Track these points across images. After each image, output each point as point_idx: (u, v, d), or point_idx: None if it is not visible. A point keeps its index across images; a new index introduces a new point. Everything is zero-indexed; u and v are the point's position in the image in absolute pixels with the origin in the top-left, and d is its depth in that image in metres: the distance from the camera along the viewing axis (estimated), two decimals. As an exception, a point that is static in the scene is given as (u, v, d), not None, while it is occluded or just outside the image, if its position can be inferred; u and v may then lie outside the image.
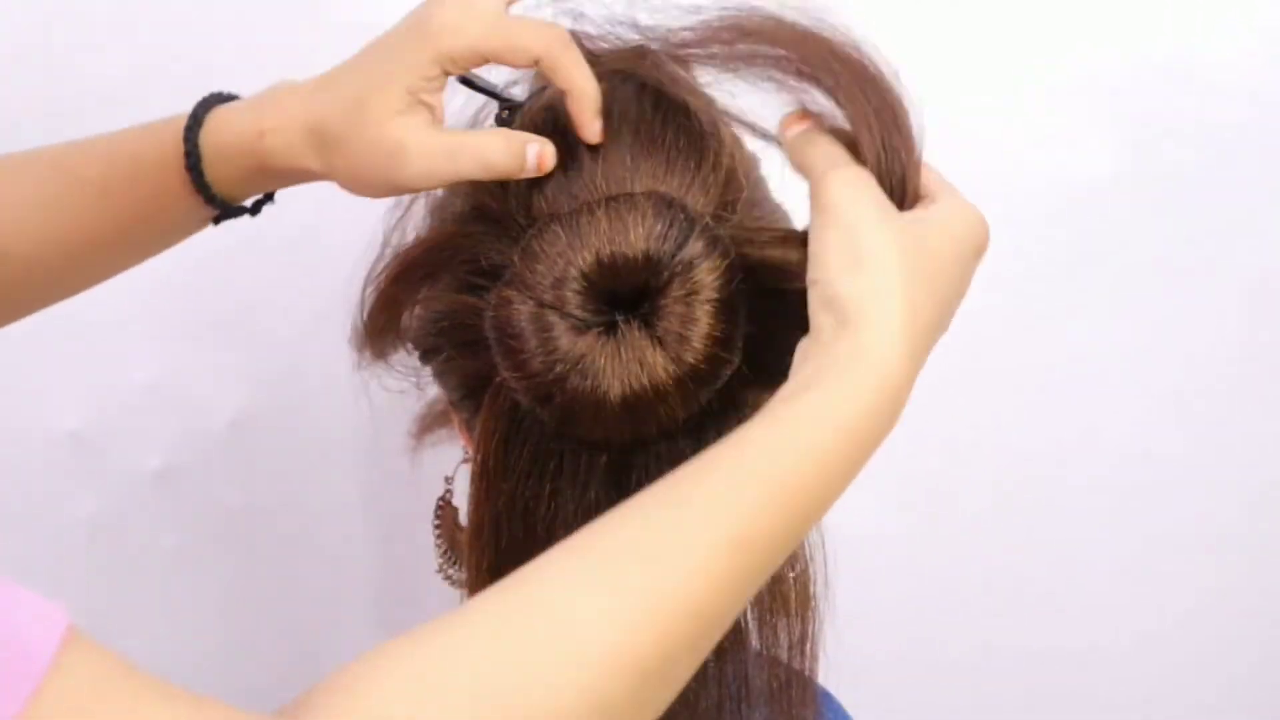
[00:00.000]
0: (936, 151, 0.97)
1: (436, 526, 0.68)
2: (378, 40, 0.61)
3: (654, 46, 0.62)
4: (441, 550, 0.67)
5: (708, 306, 0.54)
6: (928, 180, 0.57)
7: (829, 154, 0.55)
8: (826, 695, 0.67)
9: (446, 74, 0.58)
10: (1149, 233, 1.02)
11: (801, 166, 0.56)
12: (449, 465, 0.68)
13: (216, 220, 0.68)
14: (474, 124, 0.64)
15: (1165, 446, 1.06)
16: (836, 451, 0.48)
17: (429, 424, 0.76)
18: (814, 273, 0.51)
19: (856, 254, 0.50)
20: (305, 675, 1.08)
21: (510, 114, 0.62)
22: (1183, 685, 1.09)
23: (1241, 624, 1.09)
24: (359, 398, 0.96)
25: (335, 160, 0.59)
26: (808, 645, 0.60)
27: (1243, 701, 1.10)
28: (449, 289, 0.60)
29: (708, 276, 0.54)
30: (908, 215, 0.53)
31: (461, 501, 0.68)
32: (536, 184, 0.57)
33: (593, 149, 0.57)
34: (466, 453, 0.65)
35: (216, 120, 0.63)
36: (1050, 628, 1.07)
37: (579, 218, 0.54)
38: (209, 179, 0.63)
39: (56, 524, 0.95)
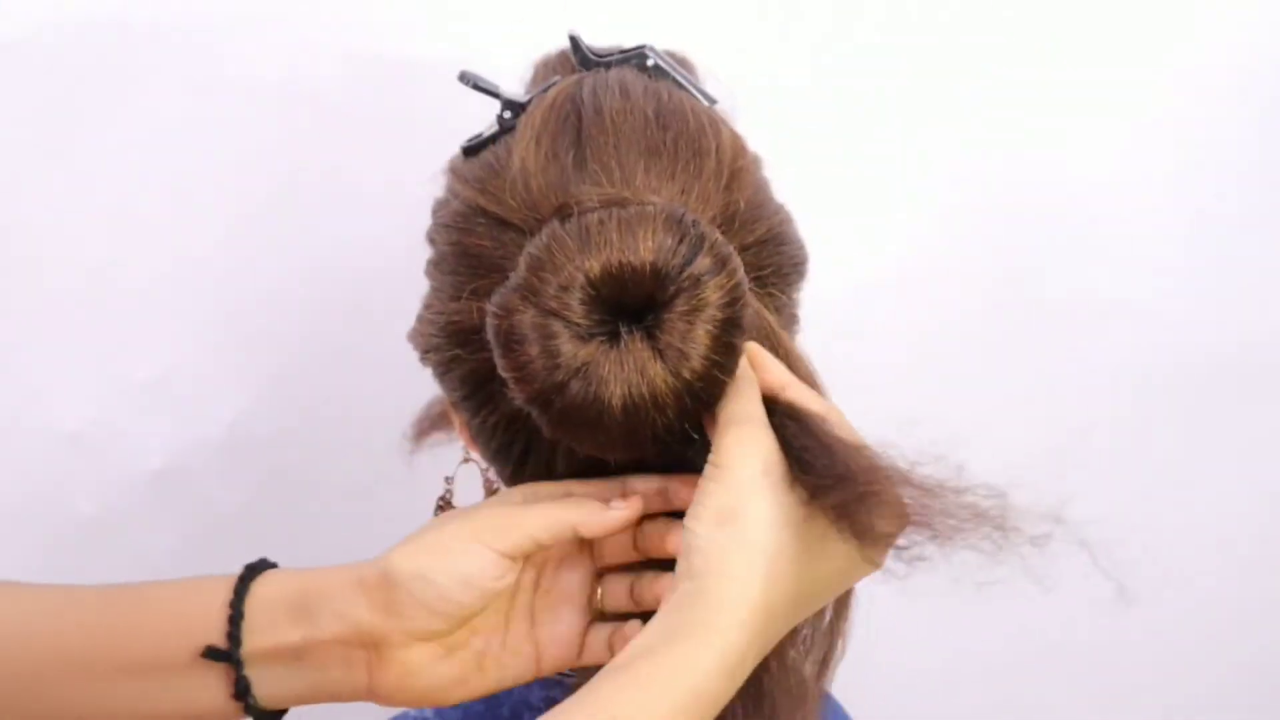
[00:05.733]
0: (941, 154, 0.98)
1: (436, 527, 0.68)
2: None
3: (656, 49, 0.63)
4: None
5: (709, 325, 0.54)
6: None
7: (744, 407, 0.54)
8: (826, 695, 0.67)
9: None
10: (1150, 233, 1.02)
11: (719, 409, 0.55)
12: (448, 465, 0.68)
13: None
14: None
15: (1166, 447, 1.06)
16: (681, 711, 0.48)
17: (428, 426, 0.76)
18: (689, 519, 0.52)
19: (730, 511, 0.51)
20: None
21: (513, 114, 0.62)
22: (1182, 685, 1.09)
23: (1242, 624, 1.09)
24: (359, 398, 0.97)
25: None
26: (831, 661, 0.60)
27: (1244, 701, 1.10)
28: (453, 289, 0.60)
29: (713, 294, 0.54)
30: (807, 498, 0.52)
31: (460, 502, 0.68)
32: (540, 187, 0.57)
33: (597, 152, 0.57)
34: (466, 453, 0.65)
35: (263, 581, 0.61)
36: (1050, 628, 1.07)
37: (587, 225, 0.54)
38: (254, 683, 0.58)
39: (56, 524, 0.95)
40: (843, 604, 0.59)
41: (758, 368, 0.56)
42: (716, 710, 0.49)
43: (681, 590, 0.50)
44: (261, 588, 0.60)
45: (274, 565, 0.62)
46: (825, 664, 0.59)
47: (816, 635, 0.59)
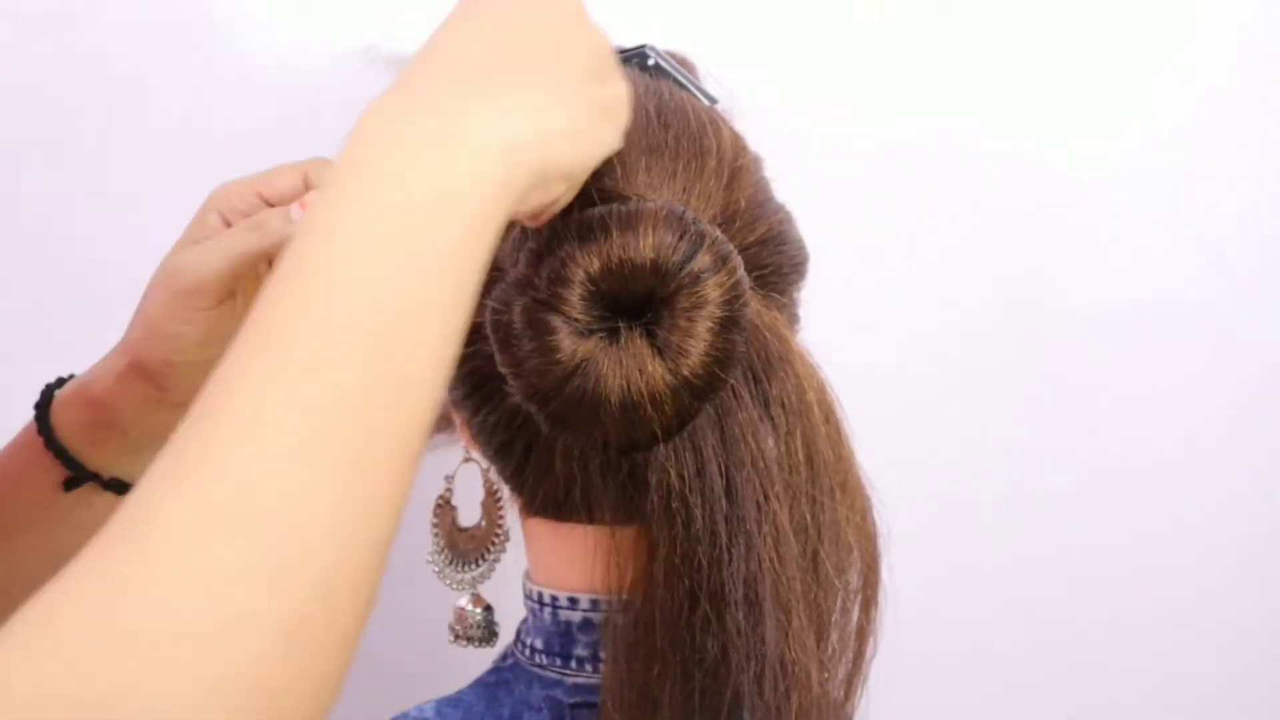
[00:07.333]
0: (940, 154, 0.98)
1: (435, 525, 0.68)
2: None
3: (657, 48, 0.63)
4: (439, 549, 0.67)
5: (709, 323, 0.54)
6: None
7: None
8: None
9: (226, 222, 0.61)
10: (1153, 233, 1.02)
11: None
12: (448, 465, 0.68)
13: (68, 485, 0.67)
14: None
15: (1168, 447, 1.06)
16: (368, 218, 0.41)
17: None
18: None
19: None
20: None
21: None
22: (1183, 684, 1.09)
23: (1242, 624, 1.09)
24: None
25: (132, 332, 0.62)
26: (857, 679, 0.59)
27: (1243, 701, 1.10)
28: None
29: (713, 292, 0.54)
30: None
31: (460, 501, 0.68)
32: None
33: None
34: (467, 452, 0.65)
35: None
36: (1052, 627, 1.07)
37: (588, 221, 0.54)
38: (55, 423, 0.65)
39: (56, 524, 0.95)
40: (869, 603, 0.58)
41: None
42: (428, 216, 0.42)
43: None
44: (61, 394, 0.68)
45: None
46: (856, 669, 0.58)
47: (845, 640, 0.58)
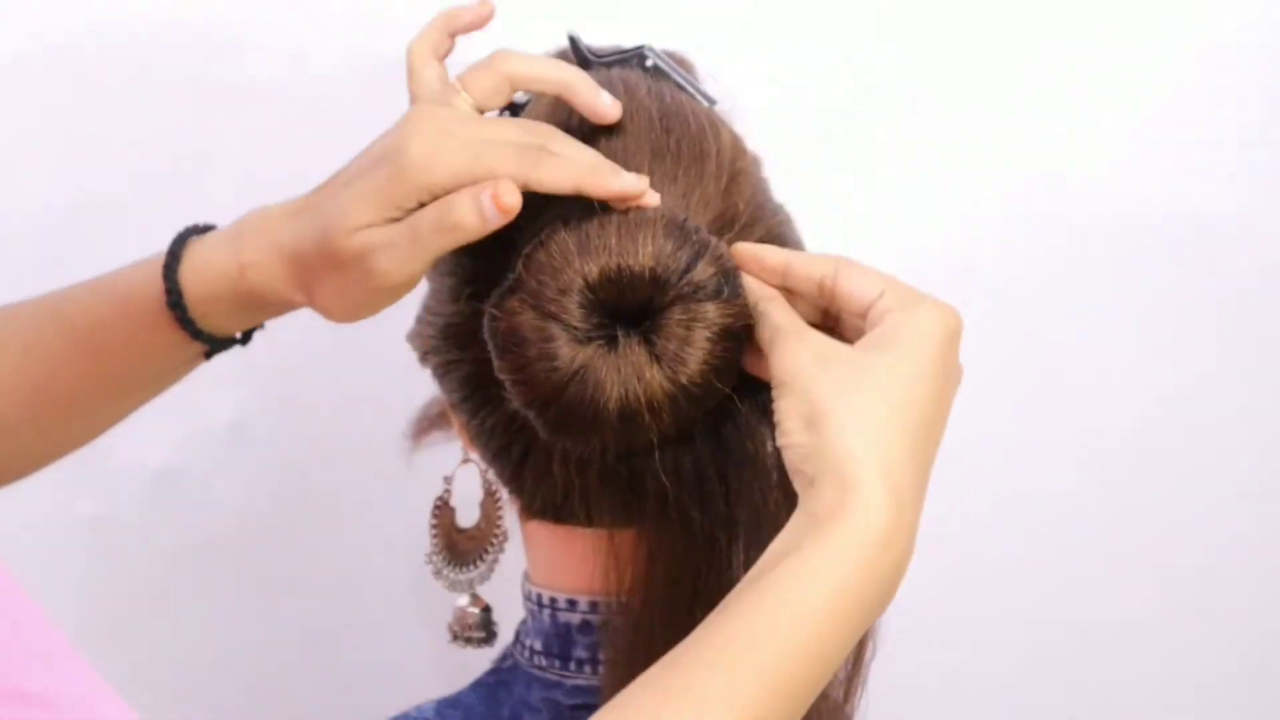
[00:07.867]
0: (938, 155, 0.98)
1: (434, 526, 0.68)
2: (353, 166, 0.58)
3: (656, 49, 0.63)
4: (437, 549, 0.67)
5: (707, 332, 0.54)
6: (867, 290, 0.54)
7: (772, 325, 0.54)
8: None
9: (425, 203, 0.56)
10: (1148, 232, 1.02)
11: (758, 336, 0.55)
12: (447, 465, 0.68)
13: (208, 355, 0.67)
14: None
15: (1168, 447, 1.06)
16: (828, 615, 0.48)
17: (426, 426, 0.76)
18: (780, 439, 0.52)
19: (809, 412, 0.50)
20: (306, 674, 1.08)
21: (512, 115, 0.62)
22: (1183, 684, 1.09)
23: (1242, 624, 1.09)
24: (359, 398, 0.97)
25: (315, 290, 0.59)
26: (857, 681, 0.59)
27: (1243, 701, 1.10)
28: (451, 291, 0.60)
29: (712, 301, 0.54)
30: (858, 350, 0.52)
31: (459, 502, 0.68)
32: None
33: (603, 152, 0.57)
34: (466, 453, 0.65)
35: (195, 256, 0.63)
36: (1052, 627, 1.08)
37: (588, 228, 0.54)
38: (194, 315, 0.63)
39: (56, 524, 0.95)
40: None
41: (753, 268, 0.55)
42: (866, 614, 0.49)
43: (801, 506, 0.50)
44: (194, 274, 0.63)
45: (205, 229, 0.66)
46: (856, 671, 0.58)
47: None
